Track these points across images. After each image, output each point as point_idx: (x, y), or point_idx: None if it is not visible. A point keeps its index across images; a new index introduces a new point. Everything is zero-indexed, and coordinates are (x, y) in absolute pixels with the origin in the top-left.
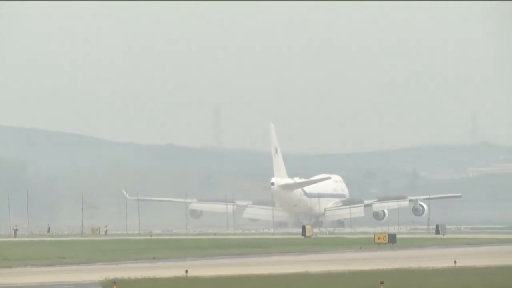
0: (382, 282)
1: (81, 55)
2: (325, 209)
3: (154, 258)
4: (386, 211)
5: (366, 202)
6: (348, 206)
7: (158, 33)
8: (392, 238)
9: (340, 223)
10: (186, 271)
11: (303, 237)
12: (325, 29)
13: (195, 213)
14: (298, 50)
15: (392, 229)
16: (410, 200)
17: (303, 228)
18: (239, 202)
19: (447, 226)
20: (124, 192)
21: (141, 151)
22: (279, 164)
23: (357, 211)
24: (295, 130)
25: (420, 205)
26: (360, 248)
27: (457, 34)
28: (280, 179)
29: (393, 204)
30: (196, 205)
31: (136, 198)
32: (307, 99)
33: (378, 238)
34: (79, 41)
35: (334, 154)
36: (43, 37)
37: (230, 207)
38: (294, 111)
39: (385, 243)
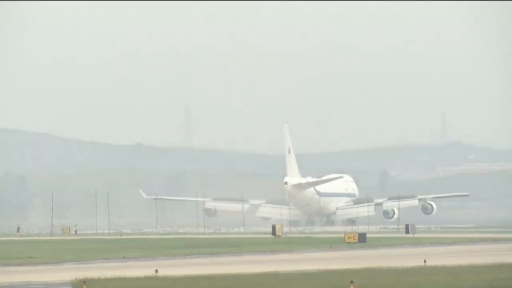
0: (352, 282)
1: (49, 56)
2: (337, 208)
3: (124, 257)
4: (396, 209)
5: (377, 201)
6: (359, 205)
7: (129, 33)
8: (362, 238)
9: (352, 221)
10: (156, 271)
11: (273, 236)
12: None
13: (210, 212)
14: (270, 49)
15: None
16: (420, 199)
17: (273, 227)
18: (252, 201)
19: (417, 226)
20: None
21: (110, 150)
22: (292, 164)
23: (368, 210)
24: (264, 129)
25: (429, 204)
26: (330, 247)
27: (426, 34)
28: (293, 178)
29: (403, 203)
30: (211, 204)
31: (152, 197)
32: (277, 98)
33: (348, 238)
34: (48, 41)
35: (303, 154)
36: (10, 38)
37: (245, 206)
38: (265, 110)
39: (355, 243)
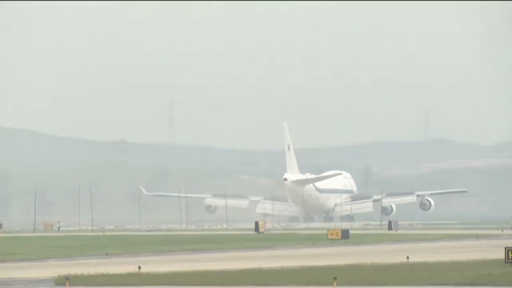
0: (335, 278)
1: (31, 51)
2: (335, 205)
3: (107, 254)
4: (393, 206)
5: (375, 197)
6: (357, 202)
7: (112, 30)
8: (345, 234)
9: (350, 217)
10: (139, 267)
11: (256, 233)
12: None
13: (210, 208)
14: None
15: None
16: (418, 195)
17: (256, 224)
18: (252, 198)
19: (399, 222)
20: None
21: (93, 147)
22: (291, 160)
23: (366, 206)
24: (248, 126)
25: (427, 200)
26: (314, 244)
27: (407, 31)
28: (292, 174)
29: (401, 199)
30: (211, 200)
31: (152, 194)
32: (261, 97)
33: (331, 234)
34: (30, 38)
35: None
36: None
37: (245, 203)
38: (250, 107)
39: (338, 239)
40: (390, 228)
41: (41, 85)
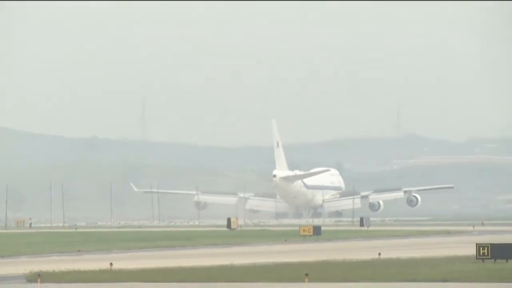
0: (307, 274)
1: (6, 49)
2: (323, 201)
3: (79, 251)
4: (381, 202)
5: (363, 193)
6: (345, 198)
7: (89, 25)
8: (317, 230)
9: (338, 213)
10: (111, 264)
11: (228, 229)
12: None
13: (199, 205)
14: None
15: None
16: (405, 192)
17: (228, 220)
18: (241, 194)
19: (371, 219)
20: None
21: (65, 143)
22: (280, 157)
23: (354, 202)
24: (222, 123)
25: (414, 196)
26: (285, 240)
27: (381, 26)
28: (281, 171)
29: (388, 196)
30: (200, 197)
31: (143, 190)
32: (233, 96)
33: (303, 231)
34: (5, 36)
35: (261, 147)
36: None
37: (234, 199)
38: (223, 105)
39: (310, 235)
40: (362, 224)
41: (13, 82)
